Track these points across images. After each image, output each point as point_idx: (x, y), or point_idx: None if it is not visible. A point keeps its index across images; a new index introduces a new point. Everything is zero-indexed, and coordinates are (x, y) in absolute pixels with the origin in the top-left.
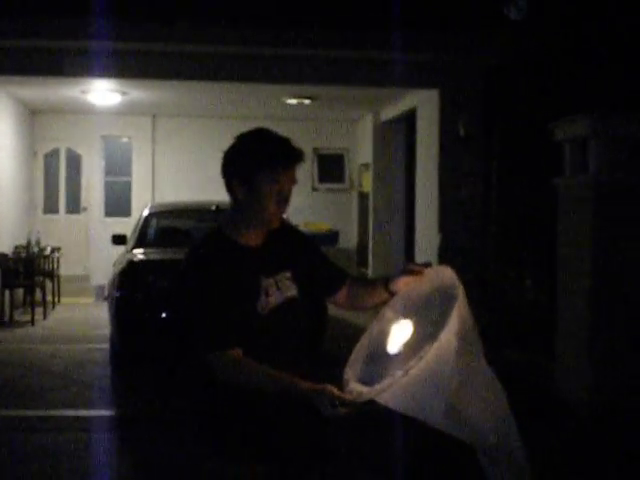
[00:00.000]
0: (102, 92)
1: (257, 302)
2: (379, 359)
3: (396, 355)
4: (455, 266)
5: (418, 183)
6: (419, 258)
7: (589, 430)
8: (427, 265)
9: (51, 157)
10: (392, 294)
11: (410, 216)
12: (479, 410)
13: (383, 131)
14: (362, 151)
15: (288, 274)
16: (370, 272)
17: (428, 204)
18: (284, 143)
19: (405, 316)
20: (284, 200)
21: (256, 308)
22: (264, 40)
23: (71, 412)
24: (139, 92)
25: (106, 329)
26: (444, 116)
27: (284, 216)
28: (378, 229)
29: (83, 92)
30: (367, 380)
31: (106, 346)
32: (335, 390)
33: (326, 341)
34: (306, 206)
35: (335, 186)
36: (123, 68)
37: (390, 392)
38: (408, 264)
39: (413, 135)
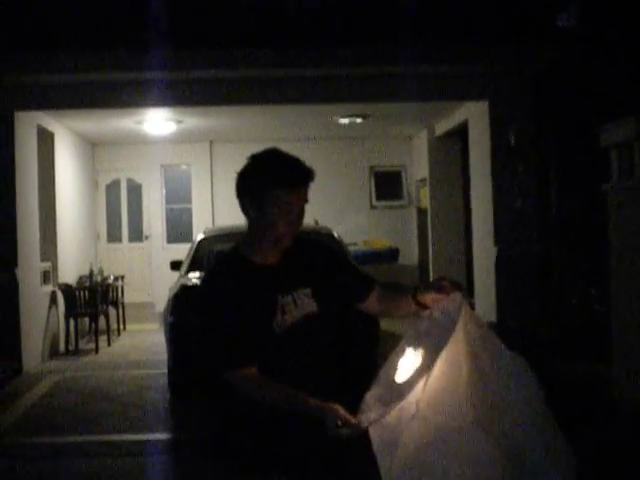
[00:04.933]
0: (157, 122)
1: (273, 320)
2: (394, 385)
3: (404, 384)
4: (512, 278)
5: (473, 196)
6: (478, 272)
7: None
8: (456, 286)
9: (112, 187)
10: (420, 305)
11: (469, 230)
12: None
13: (438, 146)
14: (419, 167)
15: (307, 290)
16: None
17: (484, 216)
18: (293, 163)
19: (417, 344)
20: (295, 219)
21: (272, 326)
22: (313, 60)
23: (129, 436)
24: (194, 120)
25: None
26: (495, 127)
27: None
28: (438, 244)
29: (138, 123)
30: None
31: (166, 371)
32: (341, 411)
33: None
34: (365, 224)
35: (393, 203)
36: (178, 97)
37: (375, 427)
38: (439, 280)
39: (467, 148)
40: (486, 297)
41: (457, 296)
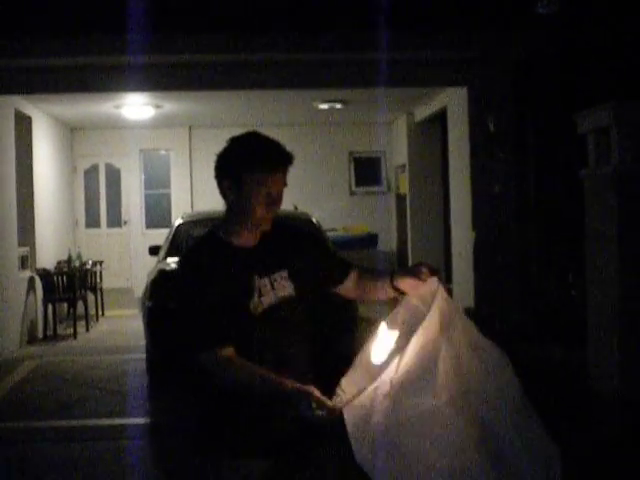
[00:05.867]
0: (135, 106)
1: (250, 302)
2: (370, 368)
3: (379, 366)
4: (490, 263)
5: (452, 182)
6: (456, 257)
7: (620, 419)
8: (434, 272)
9: (91, 172)
10: (397, 291)
11: (447, 215)
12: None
13: (418, 132)
14: (398, 153)
15: (284, 273)
16: None
17: (462, 202)
18: (273, 146)
19: (392, 329)
20: (273, 202)
21: (249, 308)
22: (293, 46)
23: (107, 421)
24: (173, 104)
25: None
26: (473, 113)
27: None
28: (416, 230)
29: (116, 107)
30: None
31: (144, 356)
32: (316, 393)
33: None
34: (344, 210)
35: (372, 189)
36: (157, 81)
37: (349, 408)
38: (416, 265)
39: (447, 134)
40: (464, 283)
41: (433, 281)
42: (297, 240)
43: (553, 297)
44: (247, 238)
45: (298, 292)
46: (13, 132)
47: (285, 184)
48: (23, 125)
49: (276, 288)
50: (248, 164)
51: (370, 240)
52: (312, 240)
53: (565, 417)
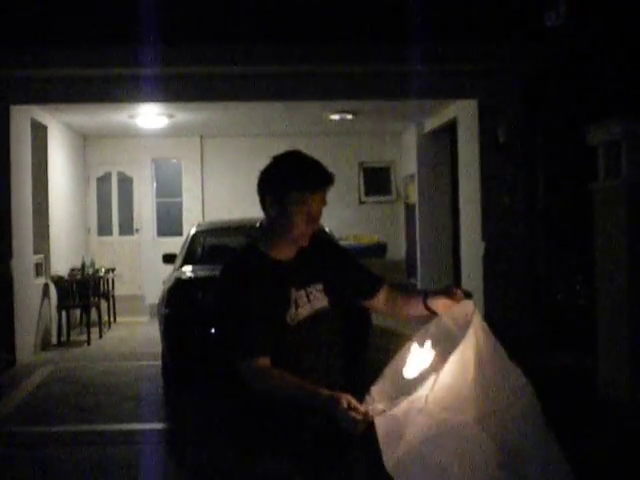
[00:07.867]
0: (149, 116)
1: (287, 313)
2: (401, 381)
3: (412, 380)
4: (499, 273)
5: (461, 192)
6: (465, 267)
7: (630, 427)
8: (467, 295)
9: (103, 181)
10: (429, 310)
11: (456, 225)
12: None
13: (427, 142)
14: (407, 163)
15: (319, 286)
16: (419, 283)
17: (472, 212)
18: (314, 167)
19: (426, 346)
20: (312, 220)
21: (285, 319)
22: (305, 57)
23: (124, 426)
24: (186, 114)
25: (159, 346)
26: (483, 125)
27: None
28: (425, 240)
29: (131, 117)
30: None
31: (158, 363)
32: (353, 400)
33: (376, 351)
34: (354, 219)
35: (382, 198)
36: (170, 92)
37: (382, 418)
38: (450, 286)
39: (456, 145)
40: (473, 292)
41: (469, 304)
42: (332, 254)
43: (561, 307)
44: (286, 252)
45: (332, 305)
46: (30, 141)
47: (325, 203)
48: (39, 134)
49: (312, 300)
50: (291, 184)
51: (379, 249)
52: (346, 254)
53: (575, 425)
